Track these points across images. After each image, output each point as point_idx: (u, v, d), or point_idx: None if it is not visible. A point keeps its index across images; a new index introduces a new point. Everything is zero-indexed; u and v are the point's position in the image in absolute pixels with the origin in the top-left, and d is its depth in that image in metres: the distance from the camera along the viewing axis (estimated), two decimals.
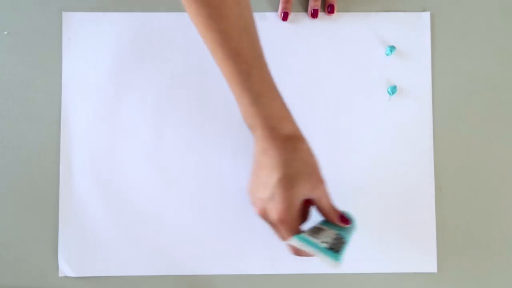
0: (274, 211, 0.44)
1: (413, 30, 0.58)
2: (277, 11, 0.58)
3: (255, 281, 0.56)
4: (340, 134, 0.57)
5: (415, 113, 0.58)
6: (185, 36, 0.58)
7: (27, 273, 0.56)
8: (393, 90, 0.57)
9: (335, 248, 0.45)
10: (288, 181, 0.43)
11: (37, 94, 0.57)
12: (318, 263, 0.56)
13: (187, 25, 0.58)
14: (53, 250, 0.56)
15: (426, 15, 0.58)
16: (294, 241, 0.44)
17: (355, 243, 0.56)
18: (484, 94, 0.58)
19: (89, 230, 0.56)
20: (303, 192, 0.44)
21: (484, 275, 0.57)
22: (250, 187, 0.47)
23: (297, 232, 0.45)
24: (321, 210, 0.47)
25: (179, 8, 0.58)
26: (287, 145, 0.44)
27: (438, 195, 0.57)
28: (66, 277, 0.56)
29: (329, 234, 0.46)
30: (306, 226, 0.48)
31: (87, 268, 0.56)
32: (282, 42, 0.58)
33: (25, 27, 0.58)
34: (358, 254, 0.56)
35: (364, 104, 0.57)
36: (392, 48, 0.58)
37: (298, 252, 0.46)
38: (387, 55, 0.58)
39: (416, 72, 0.58)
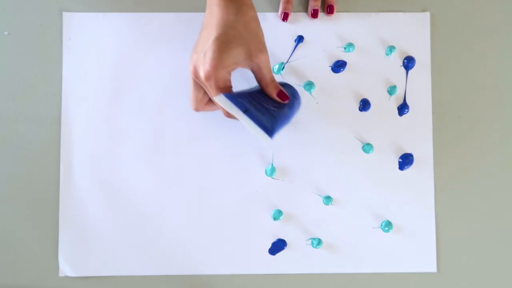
0: (202, 69, 0.44)
1: (413, 30, 0.58)
2: (277, 11, 0.58)
3: (255, 281, 0.56)
4: (340, 133, 0.57)
5: (415, 113, 0.58)
6: (185, 36, 0.58)
7: (27, 273, 0.56)
8: (393, 90, 0.58)
9: (265, 121, 0.44)
10: (223, 41, 0.43)
11: (37, 94, 0.57)
12: (317, 263, 0.56)
13: (187, 25, 0.58)
14: (53, 250, 0.56)
15: (426, 15, 0.58)
16: (220, 98, 0.43)
17: (355, 243, 0.56)
18: (484, 94, 0.58)
19: (89, 230, 0.56)
20: (238, 57, 0.44)
21: (484, 275, 0.57)
22: (193, 48, 0.47)
23: (225, 90, 0.44)
24: (259, 81, 0.47)
25: (179, 8, 0.58)
26: (232, 7, 0.44)
27: (438, 195, 0.57)
28: (66, 277, 0.56)
29: (264, 106, 0.45)
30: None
31: (87, 268, 0.56)
32: (282, 42, 0.58)
33: (25, 27, 0.58)
34: (358, 254, 0.56)
35: (364, 104, 0.57)
36: (392, 48, 0.58)
37: (228, 114, 0.46)
38: (387, 55, 0.58)
39: (416, 72, 0.58)
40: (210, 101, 0.50)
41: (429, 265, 0.56)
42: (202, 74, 0.44)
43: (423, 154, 0.57)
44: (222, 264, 0.56)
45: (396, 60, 0.58)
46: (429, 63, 0.58)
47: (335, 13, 0.58)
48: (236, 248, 0.56)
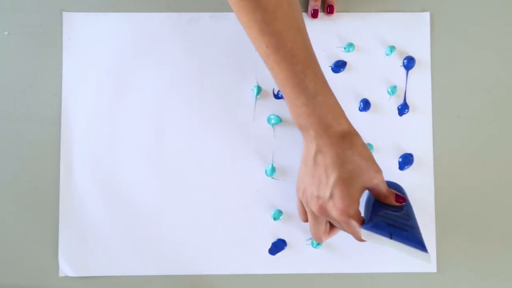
0: (334, 209, 0.44)
1: (413, 30, 0.58)
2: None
3: (255, 281, 0.56)
4: None
5: (415, 113, 0.58)
6: (185, 36, 0.58)
7: (27, 273, 0.56)
8: (393, 90, 0.58)
9: (411, 236, 0.43)
10: (347, 178, 0.44)
11: (37, 94, 0.57)
12: (317, 263, 0.56)
13: (187, 25, 0.58)
14: (53, 250, 0.56)
15: (426, 15, 0.58)
16: (365, 234, 0.43)
17: (355, 243, 0.56)
18: (484, 94, 0.58)
19: (89, 230, 0.56)
20: (362, 185, 0.45)
21: (484, 275, 0.57)
22: (302, 187, 0.47)
23: (359, 221, 0.44)
24: (378, 196, 0.47)
25: (179, 8, 0.58)
26: (343, 142, 0.45)
27: (438, 195, 0.57)
28: (66, 277, 0.56)
29: (391, 215, 0.46)
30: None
31: (87, 268, 0.56)
32: None
33: (25, 27, 0.58)
34: (358, 254, 0.56)
35: (364, 104, 0.57)
36: (392, 48, 0.58)
37: (361, 238, 0.46)
38: (387, 55, 0.58)
39: (416, 72, 0.58)
40: (332, 227, 0.50)
41: (429, 265, 0.56)
42: (336, 213, 0.44)
43: (423, 154, 0.57)
44: (222, 264, 0.56)
45: (396, 60, 0.58)
46: (429, 63, 0.58)
47: (335, 13, 0.58)
48: (236, 248, 0.56)
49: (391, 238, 0.43)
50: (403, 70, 0.58)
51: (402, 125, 0.58)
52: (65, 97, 0.57)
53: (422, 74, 0.58)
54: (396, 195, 0.47)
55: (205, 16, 0.58)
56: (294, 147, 0.57)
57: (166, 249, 0.56)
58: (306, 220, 0.50)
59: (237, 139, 0.57)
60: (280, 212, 0.56)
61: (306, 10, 0.58)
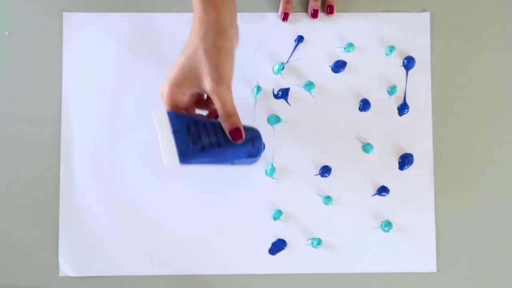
0: (162, 83, 0.46)
1: (413, 30, 0.58)
2: (277, 11, 0.58)
3: (255, 281, 0.56)
4: (340, 133, 0.57)
5: (415, 113, 0.58)
6: (185, 36, 0.58)
7: (27, 273, 0.56)
8: (392, 90, 0.58)
9: (189, 146, 0.44)
10: (183, 63, 0.44)
11: (37, 94, 0.57)
12: (317, 263, 0.56)
13: (187, 25, 0.58)
14: (53, 250, 0.56)
15: (426, 16, 0.58)
16: (154, 113, 0.44)
17: (355, 243, 0.56)
18: (484, 94, 0.58)
19: (89, 230, 0.56)
20: (194, 81, 0.44)
21: (484, 275, 0.57)
22: None
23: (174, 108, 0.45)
24: (218, 112, 0.46)
25: (179, 8, 0.58)
26: (200, 30, 0.45)
27: (438, 195, 0.57)
28: (66, 277, 0.56)
29: (211, 137, 0.45)
30: None
31: (87, 268, 0.56)
32: (282, 42, 0.58)
33: (26, 27, 0.58)
34: (358, 254, 0.56)
35: (364, 104, 0.57)
36: (392, 48, 0.58)
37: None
38: (387, 55, 0.58)
39: (416, 72, 0.58)
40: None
41: (429, 265, 0.56)
42: (161, 88, 0.46)
43: (423, 154, 0.57)
44: (222, 264, 0.56)
45: (396, 60, 0.58)
46: (429, 63, 0.58)
47: (335, 13, 0.58)
48: (236, 248, 0.56)
49: (172, 133, 0.44)
50: (403, 70, 0.58)
51: (402, 125, 0.58)
52: (65, 97, 0.57)
53: (422, 74, 0.58)
54: (235, 127, 0.45)
55: None
56: (294, 147, 0.57)
57: (166, 249, 0.56)
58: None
59: None
60: (280, 212, 0.56)
61: (306, 10, 0.58)
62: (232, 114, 0.46)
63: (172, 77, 0.45)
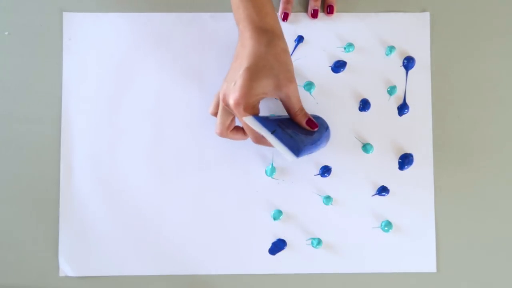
0: (232, 96, 0.45)
1: (413, 30, 0.58)
2: (277, 11, 0.58)
3: (255, 281, 0.56)
4: (340, 133, 0.57)
5: (415, 113, 0.58)
6: (185, 36, 0.58)
7: (27, 273, 0.56)
8: (392, 90, 0.58)
9: (292, 141, 0.47)
10: (254, 71, 0.45)
11: (37, 94, 0.57)
12: (317, 263, 0.56)
13: (187, 25, 0.58)
14: (53, 250, 0.56)
15: (426, 15, 0.58)
16: (249, 119, 0.46)
17: (355, 243, 0.56)
18: (484, 94, 0.58)
19: (89, 230, 0.56)
20: (267, 86, 0.46)
21: (484, 275, 0.57)
22: (225, 77, 0.49)
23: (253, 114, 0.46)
24: (288, 110, 0.49)
25: (179, 8, 0.58)
26: (263, 38, 0.46)
27: (438, 195, 0.57)
28: (66, 276, 0.56)
29: (293, 132, 0.48)
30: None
31: (87, 267, 0.56)
32: None
33: (26, 27, 0.58)
34: (358, 254, 0.56)
35: (364, 104, 0.57)
36: (392, 48, 0.58)
37: (257, 138, 0.48)
38: (387, 55, 0.58)
39: (416, 72, 0.58)
40: (236, 129, 0.51)
41: (429, 265, 0.56)
42: (231, 101, 0.45)
43: (423, 154, 0.57)
44: (222, 264, 0.56)
45: (396, 60, 0.58)
46: (429, 63, 0.58)
47: (335, 13, 0.58)
48: (236, 248, 0.56)
49: (272, 134, 0.46)
50: (403, 70, 0.58)
51: (402, 125, 0.58)
52: (65, 97, 0.57)
53: (422, 74, 0.58)
54: (309, 119, 0.49)
55: (205, 16, 0.58)
56: None
57: (166, 249, 0.56)
58: (213, 113, 0.51)
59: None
60: (280, 212, 0.56)
61: (306, 10, 0.58)
62: (302, 108, 0.49)
63: (244, 86, 0.45)
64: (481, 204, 0.57)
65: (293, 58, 0.58)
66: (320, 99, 0.58)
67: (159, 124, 0.57)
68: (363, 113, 0.58)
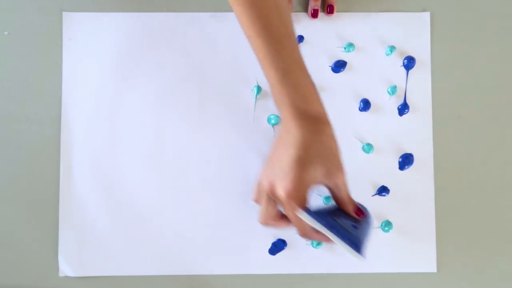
0: (282, 189, 0.43)
1: (413, 30, 0.58)
2: None
3: (255, 281, 0.56)
4: (340, 133, 0.57)
5: (415, 113, 0.58)
6: (185, 36, 0.58)
7: (27, 273, 0.56)
8: (393, 90, 0.58)
9: (352, 237, 0.44)
10: (304, 162, 0.43)
11: (37, 94, 0.57)
12: (317, 263, 0.56)
13: (187, 25, 0.58)
14: (53, 250, 0.56)
15: (426, 15, 0.58)
16: (304, 215, 0.43)
17: None
18: (484, 94, 0.58)
19: (89, 230, 0.56)
20: (317, 176, 0.44)
21: (484, 275, 0.57)
22: (266, 163, 0.47)
23: (303, 207, 0.44)
24: (336, 199, 0.47)
25: (179, 8, 0.58)
26: (311, 126, 0.44)
27: (438, 195, 0.57)
28: (66, 277, 0.56)
29: (345, 222, 0.45)
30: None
31: (87, 268, 0.56)
32: None
33: (25, 27, 0.58)
34: None
35: (364, 104, 0.57)
36: (392, 48, 0.58)
37: (305, 231, 0.45)
38: (387, 55, 0.58)
39: (416, 72, 0.58)
40: (282, 217, 0.48)
41: (429, 265, 0.56)
42: (282, 193, 0.43)
43: (423, 154, 0.57)
44: (222, 264, 0.56)
45: (396, 60, 0.58)
46: (429, 63, 0.58)
47: (335, 13, 0.58)
48: (236, 248, 0.56)
49: (329, 229, 0.43)
50: (403, 70, 0.58)
51: (402, 125, 0.58)
52: (65, 97, 0.57)
53: (422, 74, 0.58)
54: (357, 207, 0.47)
55: (205, 16, 0.58)
56: None
57: (166, 249, 0.56)
58: (256, 200, 0.49)
59: (237, 139, 0.57)
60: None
61: (306, 10, 0.58)
62: (350, 196, 0.47)
63: (296, 178, 0.43)
64: (481, 204, 0.57)
65: None
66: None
67: (159, 124, 0.57)
68: (363, 113, 0.58)
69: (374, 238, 0.56)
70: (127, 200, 0.56)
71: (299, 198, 0.43)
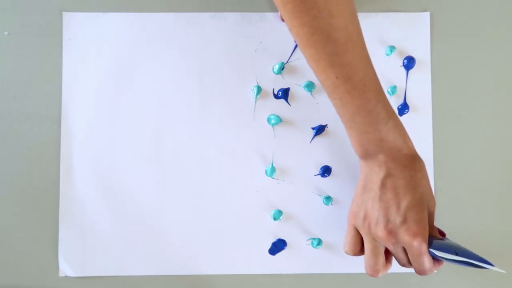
0: (408, 233, 0.43)
1: (413, 30, 0.58)
2: (277, 11, 0.58)
3: (255, 281, 0.56)
4: (340, 133, 0.57)
5: (415, 113, 0.58)
6: (185, 36, 0.58)
7: (27, 273, 0.56)
8: (393, 90, 0.58)
9: (476, 255, 0.45)
10: (419, 202, 0.43)
11: (37, 94, 0.57)
12: (317, 263, 0.56)
13: (187, 25, 0.58)
14: (53, 250, 0.56)
15: (426, 15, 0.58)
16: (437, 252, 0.44)
17: None
18: (484, 94, 0.58)
19: (89, 230, 0.56)
20: (428, 210, 0.45)
21: (484, 275, 0.57)
22: (362, 214, 0.46)
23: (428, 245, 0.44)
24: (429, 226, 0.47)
25: (179, 8, 0.58)
26: (414, 165, 0.45)
27: (438, 195, 0.57)
28: (66, 277, 0.56)
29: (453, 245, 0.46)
30: None
31: (87, 268, 0.56)
32: (282, 42, 0.58)
33: (25, 27, 0.58)
34: None
35: None
36: (392, 48, 0.58)
37: (426, 270, 0.45)
38: (387, 55, 0.58)
39: (416, 72, 0.58)
40: (388, 261, 0.48)
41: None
42: (409, 239, 0.43)
43: (423, 154, 0.57)
44: (222, 264, 0.56)
45: (396, 60, 0.58)
46: (429, 63, 0.58)
47: None
48: (236, 248, 0.56)
49: (457, 255, 0.44)
50: (403, 70, 0.58)
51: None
52: (65, 97, 0.57)
53: (422, 74, 0.58)
54: (438, 228, 0.48)
55: (205, 16, 0.58)
56: (294, 147, 0.57)
57: (166, 249, 0.56)
58: (357, 252, 0.47)
59: (237, 139, 0.57)
60: (280, 212, 0.56)
61: None
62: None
63: (421, 220, 0.43)
64: (481, 204, 0.57)
65: (293, 58, 0.58)
66: (320, 99, 0.58)
67: (159, 124, 0.57)
68: None
69: None
70: (127, 200, 0.56)
71: (426, 239, 0.44)
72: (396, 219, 0.43)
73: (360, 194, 0.47)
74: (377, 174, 0.45)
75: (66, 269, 0.56)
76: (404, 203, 0.43)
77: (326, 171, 0.57)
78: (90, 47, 0.58)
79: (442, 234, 0.48)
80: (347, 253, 0.48)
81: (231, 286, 0.56)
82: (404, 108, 0.57)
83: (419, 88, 0.58)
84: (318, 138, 0.57)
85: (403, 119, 0.57)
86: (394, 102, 0.58)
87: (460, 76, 0.58)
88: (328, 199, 0.56)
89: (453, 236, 0.57)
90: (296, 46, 0.58)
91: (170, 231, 0.56)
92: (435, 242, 0.45)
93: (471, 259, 0.44)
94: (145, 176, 0.57)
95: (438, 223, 0.56)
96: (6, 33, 0.58)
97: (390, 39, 0.58)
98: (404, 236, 0.43)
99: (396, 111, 0.58)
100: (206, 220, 0.57)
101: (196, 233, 0.56)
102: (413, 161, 0.45)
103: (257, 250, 0.56)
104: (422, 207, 0.44)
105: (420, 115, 0.58)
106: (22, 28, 0.58)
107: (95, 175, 0.57)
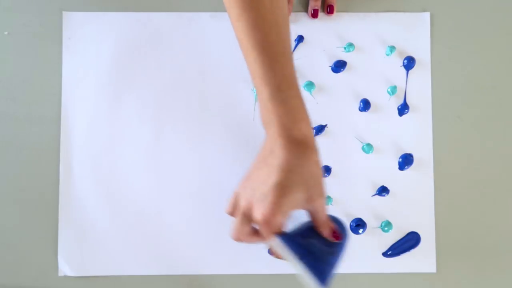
0: (260, 213, 0.42)
1: (413, 30, 0.58)
2: None
3: (255, 281, 0.56)
4: (340, 133, 0.57)
5: (415, 113, 0.58)
6: (185, 36, 0.58)
7: (27, 273, 0.56)
8: (393, 90, 0.58)
9: (319, 267, 0.43)
10: (285, 187, 0.42)
11: (37, 94, 0.57)
12: None
13: (187, 25, 0.58)
14: (53, 250, 0.56)
15: (426, 15, 0.58)
16: (276, 243, 0.42)
17: (355, 242, 0.56)
18: (484, 94, 0.58)
19: (89, 230, 0.56)
20: (298, 202, 0.42)
21: (483, 275, 0.57)
22: (245, 179, 0.46)
23: (279, 232, 0.43)
24: (314, 221, 0.45)
25: (179, 8, 0.58)
26: (297, 150, 0.43)
27: (437, 195, 0.57)
28: (66, 276, 0.56)
29: (319, 242, 0.44)
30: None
31: (86, 267, 0.56)
32: None
33: (25, 27, 0.58)
34: (358, 254, 0.56)
35: (364, 104, 0.57)
36: (392, 48, 0.58)
37: (277, 254, 0.45)
38: (387, 55, 0.58)
39: (416, 72, 0.58)
40: (255, 233, 0.46)
41: (429, 265, 0.56)
42: (259, 216, 0.42)
43: (423, 154, 0.57)
44: (222, 264, 0.56)
45: (396, 60, 0.58)
46: (429, 63, 0.58)
47: (335, 13, 0.58)
48: (236, 248, 0.56)
49: (299, 259, 0.42)
50: (403, 70, 0.58)
51: (402, 125, 0.58)
52: (65, 97, 0.57)
53: (422, 74, 0.58)
54: (334, 230, 0.45)
55: (205, 16, 0.58)
56: None
57: (166, 249, 0.56)
58: (231, 214, 0.46)
59: (237, 139, 0.57)
60: None
61: (306, 10, 0.58)
62: (327, 219, 0.45)
63: (275, 203, 0.41)
64: (481, 204, 0.57)
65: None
66: (320, 99, 0.58)
67: (159, 124, 0.57)
68: (363, 113, 0.58)
69: (374, 238, 0.56)
70: (127, 200, 0.56)
71: (276, 224, 0.42)
72: (259, 195, 0.42)
73: (254, 161, 0.46)
74: (266, 147, 0.44)
75: (65, 268, 0.56)
76: (270, 182, 0.42)
77: (326, 171, 0.57)
78: (90, 47, 0.58)
79: (337, 236, 0.45)
80: (227, 212, 0.47)
81: (231, 286, 0.56)
82: (404, 108, 0.57)
83: (419, 88, 0.58)
84: (318, 138, 0.57)
85: (403, 119, 0.57)
86: (394, 102, 0.58)
87: (460, 76, 0.58)
88: (328, 199, 0.56)
89: (453, 236, 0.57)
90: (296, 46, 0.58)
91: (169, 231, 0.56)
92: (296, 231, 0.44)
93: (309, 268, 0.42)
94: (145, 176, 0.57)
95: (438, 223, 0.56)
96: (6, 33, 0.58)
97: (390, 39, 0.58)
98: (256, 213, 0.42)
99: (396, 111, 0.58)
100: (206, 220, 0.56)
101: (195, 233, 0.56)
102: (295, 146, 0.43)
103: (257, 250, 0.56)
104: (287, 193, 0.41)
105: (420, 115, 0.58)
106: (22, 28, 0.58)
107: (95, 175, 0.57)
